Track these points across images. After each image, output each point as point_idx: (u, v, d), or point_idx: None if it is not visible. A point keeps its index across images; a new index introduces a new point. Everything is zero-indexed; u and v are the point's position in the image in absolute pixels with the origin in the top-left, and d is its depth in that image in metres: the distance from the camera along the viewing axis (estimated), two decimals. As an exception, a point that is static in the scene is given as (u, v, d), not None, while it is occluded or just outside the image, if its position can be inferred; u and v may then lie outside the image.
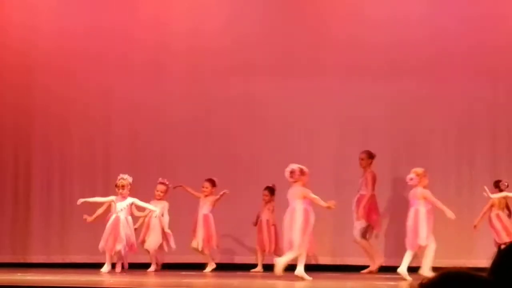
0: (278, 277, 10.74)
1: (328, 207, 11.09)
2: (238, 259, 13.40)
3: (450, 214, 11.22)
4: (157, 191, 12.62)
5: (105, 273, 11.69)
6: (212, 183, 12.68)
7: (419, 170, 11.50)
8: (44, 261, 13.37)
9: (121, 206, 11.92)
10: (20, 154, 14.00)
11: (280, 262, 10.86)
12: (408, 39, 13.40)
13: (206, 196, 12.65)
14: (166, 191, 12.66)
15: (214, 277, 12.06)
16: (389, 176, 13.26)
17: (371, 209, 12.71)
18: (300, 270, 10.86)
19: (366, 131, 13.49)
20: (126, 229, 11.76)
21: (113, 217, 11.85)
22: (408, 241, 11.31)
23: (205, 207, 12.66)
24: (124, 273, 11.81)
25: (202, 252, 12.61)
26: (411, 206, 11.50)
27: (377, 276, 11.93)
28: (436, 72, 13.40)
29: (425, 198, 11.35)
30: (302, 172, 11.18)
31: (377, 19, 13.54)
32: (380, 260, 12.66)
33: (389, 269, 11.80)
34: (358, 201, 12.70)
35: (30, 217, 13.82)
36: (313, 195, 11.09)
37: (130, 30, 13.94)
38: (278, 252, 12.19)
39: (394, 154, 13.45)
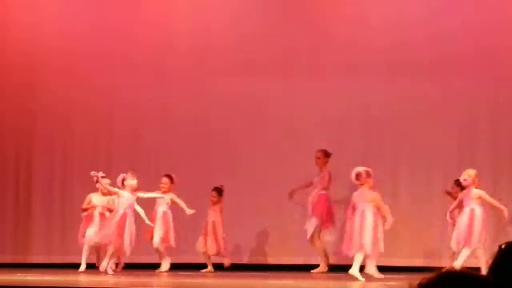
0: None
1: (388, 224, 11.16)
2: (246, 259, 13.36)
3: (505, 212, 11.34)
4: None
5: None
6: (171, 179, 12.55)
7: (472, 172, 11.54)
8: (44, 261, 13.36)
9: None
10: (21, 153, 14.00)
11: (367, 268, 11.01)
12: (409, 40, 13.39)
13: (164, 192, 12.47)
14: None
15: (211, 277, 12.05)
16: (389, 176, 13.24)
17: (325, 208, 12.62)
18: (355, 269, 11.01)
19: (367, 131, 13.49)
20: (132, 226, 11.72)
21: (120, 213, 11.72)
22: (462, 239, 11.34)
23: (164, 204, 12.51)
24: (123, 273, 11.86)
25: (156, 250, 12.50)
26: (465, 206, 11.55)
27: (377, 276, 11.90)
28: (437, 73, 13.38)
29: (479, 198, 11.44)
30: (368, 174, 11.30)
31: (378, 19, 13.54)
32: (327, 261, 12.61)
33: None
34: (316, 200, 12.61)
35: (31, 217, 13.83)
36: (383, 205, 11.18)
37: (133, 29, 13.94)
38: (222, 254, 12.19)
39: (395, 154, 13.45)
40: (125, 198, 11.59)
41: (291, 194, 12.69)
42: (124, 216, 11.54)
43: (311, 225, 12.52)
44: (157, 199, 12.34)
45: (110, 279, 10.84)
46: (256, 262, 13.01)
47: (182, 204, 12.24)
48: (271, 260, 13.42)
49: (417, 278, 2.01)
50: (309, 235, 12.53)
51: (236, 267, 12.72)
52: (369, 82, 13.39)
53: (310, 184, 12.74)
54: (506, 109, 13.39)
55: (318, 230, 12.57)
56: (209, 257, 12.56)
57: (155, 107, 13.81)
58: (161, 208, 12.50)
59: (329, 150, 13.07)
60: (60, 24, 14.05)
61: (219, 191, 12.62)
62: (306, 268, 12.81)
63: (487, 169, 13.16)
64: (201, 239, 12.52)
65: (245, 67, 13.69)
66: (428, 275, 2.02)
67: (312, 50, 13.65)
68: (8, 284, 9.05)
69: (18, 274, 11.11)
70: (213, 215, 12.55)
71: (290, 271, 12.62)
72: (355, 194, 11.40)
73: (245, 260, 13.34)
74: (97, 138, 13.84)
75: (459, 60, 13.34)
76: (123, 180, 11.80)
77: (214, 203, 12.60)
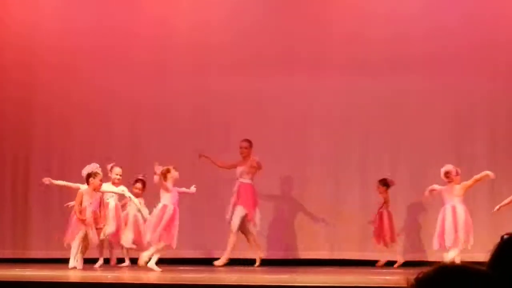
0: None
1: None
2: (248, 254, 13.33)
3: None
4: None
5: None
6: (143, 184, 12.56)
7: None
8: (43, 256, 13.37)
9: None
10: (20, 150, 14.00)
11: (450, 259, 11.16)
12: (409, 34, 13.41)
13: (137, 197, 12.39)
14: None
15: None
16: (389, 171, 13.25)
17: (250, 198, 12.59)
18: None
19: (367, 125, 13.50)
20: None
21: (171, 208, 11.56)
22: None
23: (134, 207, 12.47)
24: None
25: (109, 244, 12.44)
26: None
27: (375, 270, 11.90)
28: (436, 67, 13.40)
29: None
30: (457, 172, 11.79)
31: (378, 14, 13.55)
32: (261, 253, 12.62)
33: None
34: (241, 190, 12.59)
35: (29, 212, 13.83)
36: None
37: (132, 27, 13.94)
38: (144, 248, 11.86)
39: (394, 148, 13.45)
40: (172, 193, 11.48)
41: (201, 156, 12.67)
42: (175, 211, 11.49)
43: (237, 215, 12.46)
44: (128, 202, 12.35)
45: (108, 275, 10.81)
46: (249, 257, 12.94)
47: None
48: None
49: (414, 273, 2.00)
50: (236, 227, 12.46)
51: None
52: (369, 77, 13.41)
53: (232, 167, 12.72)
54: (504, 104, 13.41)
55: (246, 220, 12.51)
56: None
57: (154, 105, 13.81)
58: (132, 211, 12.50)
59: (331, 145, 13.08)
60: (58, 22, 14.04)
61: (143, 183, 12.53)
62: (306, 263, 12.84)
63: (485, 163, 13.18)
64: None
65: (245, 64, 13.69)
66: (425, 269, 2.00)
67: (314, 45, 13.66)
68: (7, 279, 9.04)
69: (17, 269, 11.10)
70: (134, 208, 12.37)
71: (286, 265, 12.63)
72: (443, 189, 11.81)
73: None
74: (95, 136, 13.83)
75: (459, 55, 13.36)
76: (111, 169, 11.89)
77: (138, 196, 12.43)
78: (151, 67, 13.88)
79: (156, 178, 11.32)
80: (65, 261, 11.66)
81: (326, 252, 13.30)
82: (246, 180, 12.66)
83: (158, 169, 11.28)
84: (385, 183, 12.66)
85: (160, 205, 11.35)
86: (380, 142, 13.42)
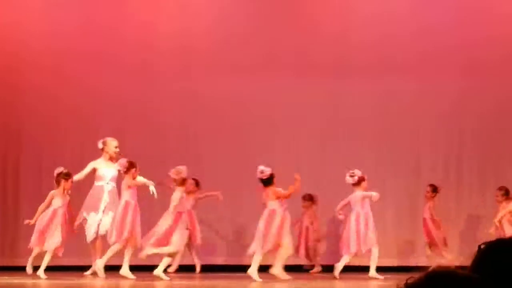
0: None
1: None
2: (239, 260, 13.33)
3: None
4: None
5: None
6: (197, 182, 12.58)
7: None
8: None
9: None
10: (9, 155, 13.94)
11: None
12: (396, 35, 13.44)
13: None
14: None
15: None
16: (375, 171, 13.24)
17: None
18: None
19: (354, 127, 13.52)
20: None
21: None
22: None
23: None
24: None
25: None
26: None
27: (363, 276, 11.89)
28: (424, 68, 13.42)
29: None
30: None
31: (365, 16, 13.58)
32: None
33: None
34: None
35: (18, 219, 13.73)
36: None
37: (119, 30, 13.91)
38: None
39: (382, 149, 13.46)
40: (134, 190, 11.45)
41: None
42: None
43: None
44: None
45: (98, 282, 10.76)
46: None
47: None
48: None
49: (404, 279, 1.99)
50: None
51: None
52: (356, 78, 13.44)
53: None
54: (493, 103, 13.44)
55: None
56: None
57: (140, 107, 13.79)
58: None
59: (318, 146, 13.11)
60: (45, 24, 13.99)
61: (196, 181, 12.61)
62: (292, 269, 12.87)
63: (474, 163, 13.25)
64: None
65: (230, 68, 13.69)
66: (415, 275, 1.99)
67: (300, 48, 13.68)
68: (-5, 288, 9.00)
69: (5, 277, 11.04)
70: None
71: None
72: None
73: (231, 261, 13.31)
74: (83, 138, 13.78)
75: (447, 55, 13.38)
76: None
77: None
78: (138, 70, 13.85)
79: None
80: (54, 268, 11.60)
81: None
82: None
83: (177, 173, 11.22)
84: (434, 189, 12.63)
85: (123, 202, 11.38)
86: (368, 142, 13.43)
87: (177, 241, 11.07)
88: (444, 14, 13.51)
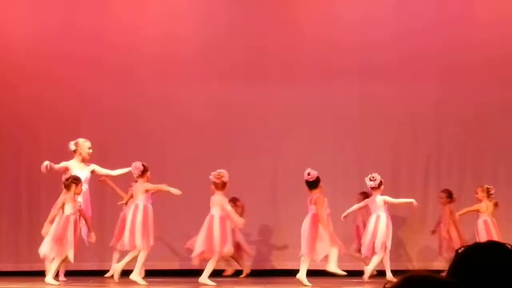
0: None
1: None
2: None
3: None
4: None
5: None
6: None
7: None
8: (12, 269, 13.24)
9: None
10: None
11: None
12: (378, 39, 13.47)
13: None
14: None
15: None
16: (356, 173, 13.29)
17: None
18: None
19: (337, 130, 13.55)
20: None
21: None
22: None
23: None
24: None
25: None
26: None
27: (346, 280, 11.91)
28: (405, 71, 13.47)
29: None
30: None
31: (347, 20, 13.61)
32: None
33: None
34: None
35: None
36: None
37: (101, 34, 13.86)
38: None
39: (364, 153, 13.50)
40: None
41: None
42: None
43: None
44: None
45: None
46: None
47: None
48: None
49: (381, 283, 2.02)
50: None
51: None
52: (338, 82, 13.46)
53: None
54: (472, 107, 13.52)
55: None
56: None
57: (121, 112, 13.74)
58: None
59: (301, 149, 13.13)
60: (27, 27, 13.92)
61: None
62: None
63: (453, 166, 13.33)
64: None
65: (214, 74, 13.69)
66: (393, 280, 2.03)
67: (283, 53, 13.68)
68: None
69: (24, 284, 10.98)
70: None
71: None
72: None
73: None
74: (64, 142, 13.74)
75: (426, 58, 13.44)
76: None
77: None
78: (119, 74, 13.80)
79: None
80: (34, 273, 11.56)
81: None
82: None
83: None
84: (449, 195, 12.69)
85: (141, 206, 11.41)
86: (350, 146, 13.47)
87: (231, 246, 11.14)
88: (425, 18, 13.57)
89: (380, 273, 11.77)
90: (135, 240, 11.12)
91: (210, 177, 11.21)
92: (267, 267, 13.56)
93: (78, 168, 11.74)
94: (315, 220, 11.02)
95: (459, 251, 2.47)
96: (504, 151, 13.51)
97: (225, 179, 11.18)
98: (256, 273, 12.89)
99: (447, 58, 13.47)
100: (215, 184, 11.18)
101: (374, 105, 13.52)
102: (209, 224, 11.05)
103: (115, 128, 13.73)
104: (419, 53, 13.41)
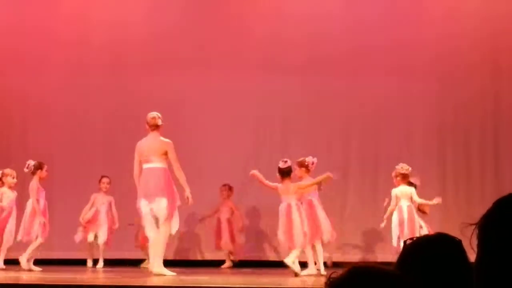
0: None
1: None
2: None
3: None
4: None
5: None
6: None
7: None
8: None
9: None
10: None
11: None
12: (328, 33, 13.52)
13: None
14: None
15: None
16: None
17: None
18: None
19: (286, 124, 13.58)
20: None
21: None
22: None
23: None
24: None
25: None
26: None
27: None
28: (354, 66, 13.53)
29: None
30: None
31: (296, 13, 13.64)
32: None
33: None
34: None
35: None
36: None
37: (49, 25, 13.75)
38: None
39: (312, 146, 13.53)
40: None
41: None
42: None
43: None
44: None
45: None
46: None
47: None
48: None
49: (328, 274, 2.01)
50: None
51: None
52: (286, 77, 13.47)
53: None
54: (420, 103, 13.62)
55: None
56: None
57: (71, 103, 13.62)
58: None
59: (245, 147, 13.12)
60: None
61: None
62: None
63: (403, 160, 13.40)
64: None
65: (161, 63, 13.63)
66: (338, 271, 2.01)
67: (232, 44, 13.70)
68: None
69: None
70: None
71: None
72: None
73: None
74: (11, 136, 13.61)
75: (377, 53, 13.51)
76: None
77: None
78: (69, 66, 13.68)
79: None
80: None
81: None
82: None
83: None
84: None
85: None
86: (298, 141, 13.49)
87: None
88: (374, 14, 13.65)
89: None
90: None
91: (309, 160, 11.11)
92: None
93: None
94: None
95: (407, 242, 2.47)
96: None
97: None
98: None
99: (395, 53, 13.53)
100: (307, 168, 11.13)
101: (320, 99, 13.54)
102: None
103: (65, 119, 13.59)
104: (368, 48, 13.46)
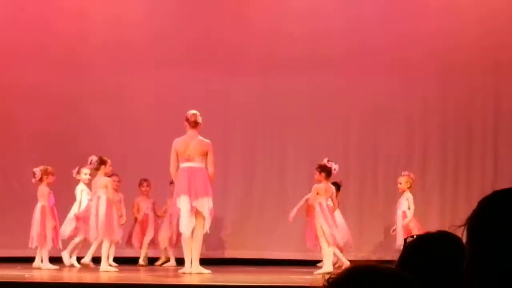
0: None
1: None
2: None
3: None
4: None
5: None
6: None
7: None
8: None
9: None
10: None
11: None
12: (325, 31, 13.51)
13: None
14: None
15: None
16: (302, 167, 13.30)
17: None
18: None
19: (284, 120, 13.55)
20: None
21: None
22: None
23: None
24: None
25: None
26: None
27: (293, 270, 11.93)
28: (352, 63, 13.51)
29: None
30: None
31: (296, 11, 13.62)
32: None
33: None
34: None
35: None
36: None
37: (47, 21, 13.71)
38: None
39: (312, 145, 13.52)
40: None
41: None
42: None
43: None
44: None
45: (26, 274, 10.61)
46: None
47: None
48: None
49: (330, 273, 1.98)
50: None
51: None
52: (284, 73, 13.46)
53: None
54: (419, 100, 13.61)
55: None
56: None
57: (68, 100, 13.58)
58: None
59: (248, 141, 13.11)
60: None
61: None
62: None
63: (401, 161, 13.38)
64: None
65: (160, 61, 13.59)
66: (337, 271, 1.98)
67: (229, 43, 13.69)
68: None
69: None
70: None
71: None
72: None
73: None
74: (7, 135, 13.57)
75: (373, 51, 13.49)
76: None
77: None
78: (67, 62, 13.64)
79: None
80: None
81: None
82: None
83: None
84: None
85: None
86: (298, 137, 13.48)
87: None
88: (372, 11, 13.63)
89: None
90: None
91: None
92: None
93: None
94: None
95: (407, 240, 2.45)
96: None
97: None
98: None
99: (395, 50, 13.51)
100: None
101: (321, 96, 13.51)
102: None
103: (62, 117, 13.54)
104: (366, 45, 13.44)
